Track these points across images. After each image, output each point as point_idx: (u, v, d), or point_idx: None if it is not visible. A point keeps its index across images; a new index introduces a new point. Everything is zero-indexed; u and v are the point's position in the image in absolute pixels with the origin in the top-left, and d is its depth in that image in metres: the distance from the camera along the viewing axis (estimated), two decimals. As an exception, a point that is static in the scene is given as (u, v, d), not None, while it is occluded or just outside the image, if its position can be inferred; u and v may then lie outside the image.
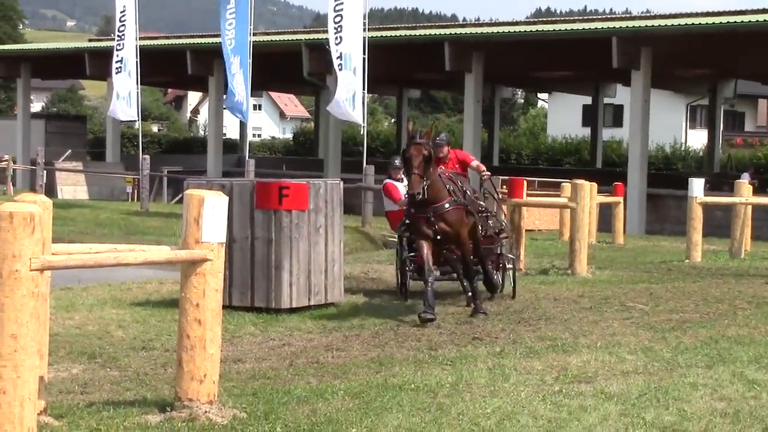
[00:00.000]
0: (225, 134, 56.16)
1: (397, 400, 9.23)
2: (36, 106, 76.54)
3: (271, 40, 49.36)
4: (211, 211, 8.78)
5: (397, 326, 14.15)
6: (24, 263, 7.74)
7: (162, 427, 8.40)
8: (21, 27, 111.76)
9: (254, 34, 39.44)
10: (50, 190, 45.20)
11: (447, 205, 14.61)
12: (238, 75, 37.19)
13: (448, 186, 14.91)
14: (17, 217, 7.73)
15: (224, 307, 9.68)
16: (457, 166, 17.25)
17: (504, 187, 28.78)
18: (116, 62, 42.34)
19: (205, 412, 8.64)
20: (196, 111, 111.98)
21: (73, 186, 50.65)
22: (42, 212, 8.00)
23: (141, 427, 8.43)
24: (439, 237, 14.63)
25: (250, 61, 36.86)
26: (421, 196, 14.04)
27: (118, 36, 43.04)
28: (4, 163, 52.05)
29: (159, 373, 10.84)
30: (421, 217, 14.67)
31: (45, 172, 47.33)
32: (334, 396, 9.44)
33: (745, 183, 24.38)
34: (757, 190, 24.96)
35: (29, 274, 7.78)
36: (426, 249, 14.62)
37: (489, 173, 18.09)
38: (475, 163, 18.01)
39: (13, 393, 7.72)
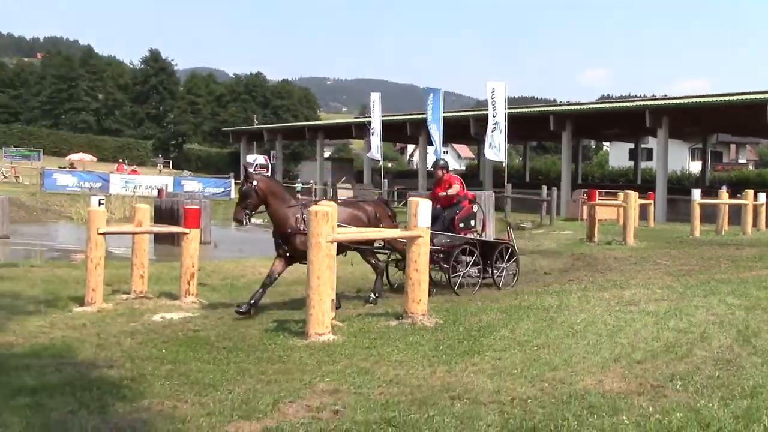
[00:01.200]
0: (428, 167, 56.52)
1: (527, 314, 9.16)
2: (326, 153, 78.12)
3: (451, 116, 49.28)
4: (422, 208, 8.88)
5: (525, 273, 14.00)
6: (323, 237, 7.98)
7: (397, 328, 8.53)
8: (318, 111, 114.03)
9: (444, 112, 39.55)
10: (335, 200, 46.50)
11: (289, 230, 10.18)
12: (435, 134, 37.60)
13: (298, 215, 10.09)
14: (320, 213, 7.99)
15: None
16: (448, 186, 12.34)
17: (585, 195, 28.23)
18: (371, 129, 43.55)
19: (420, 320, 8.74)
20: (411, 155, 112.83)
21: (347, 197, 51.53)
22: (331, 210, 8.24)
23: (386, 327, 8.58)
24: (288, 254, 10.40)
25: (441, 126, 37.14)
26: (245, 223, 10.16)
27: (371, 115, 44.08)
28: (310, 185, 53.50)
29: (394, 298, 10.95)
30: (275, 239, 10.48)
31: (331, 189, 48.97)
32: (491, 312, 9.43)
33: (723, 191, 24.84)
34: (731, 195, 24.87)
35: (326, 244, 8.01)
36: (277, 262, 10.51)
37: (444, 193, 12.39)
38: (450, 191, 12.35)
39: (318, 307, 7.97)
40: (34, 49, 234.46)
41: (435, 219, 11.19)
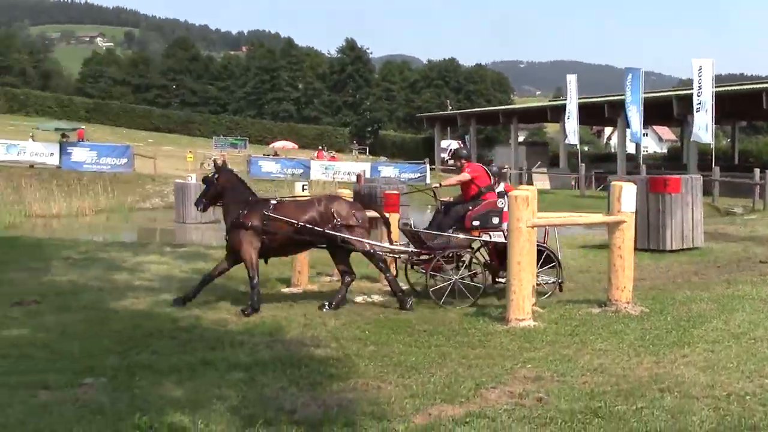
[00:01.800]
0: (626, 150, 54.53)
1: (741, 304, 8.63)
2: (520, 138, 77.32)
3: (651, 96, 47.09)
4: (626, 193, 8.56)
5: (738, 261, 13.19)
6: (524, 223, 7.88)
7: (600, 315, 8.31)
8: (512, 96, 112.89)
9: (644, 92, 37.98)
10: (529, 184, 45.88)
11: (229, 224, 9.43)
12: (633, 116, 36.18)
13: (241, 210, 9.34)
14: (519, 198, 7.89)
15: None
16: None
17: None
18: (567, 112, 42.68)
19: (625, 308, 8.45)
20: (609, 138, 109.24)
21: (541, 182, 50.75)
22: (531, 195, 8.12)
23: (588, 314, 8.38)
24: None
25: (641, 108, 35.68)
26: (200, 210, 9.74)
27: (568, 98, 43.19)
28: (504, 170, 53.13)
29: (596, 286, 10.63)
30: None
31: (526, 174, 48.43)
32: (701, 301, 8.94)
33: None
34: None
35: (526, 229, 7.91)
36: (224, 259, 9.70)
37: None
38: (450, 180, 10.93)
39: (519, 293, 7.90)
40: (240, 42, 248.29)
41: (445, 214, 10.11)
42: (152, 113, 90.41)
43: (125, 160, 39.85)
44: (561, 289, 9.77)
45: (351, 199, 10.30)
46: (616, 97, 48.77)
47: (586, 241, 16.77)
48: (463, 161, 10.47)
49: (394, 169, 48.21)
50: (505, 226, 9.40)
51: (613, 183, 8.89)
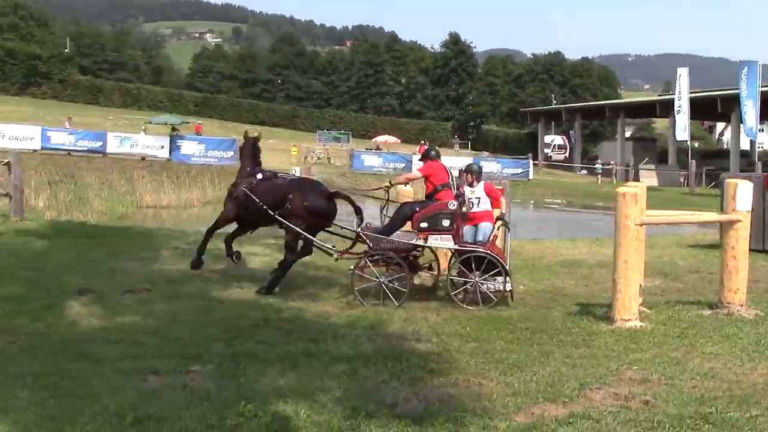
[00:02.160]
0: (740, 147, 52.52)
1: None
2: (627, 133, 75.52)
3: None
4: (742, 190, 8.24)
5: None
6: (631, 220, 7.69)
7: (711, 318, 8.06)
8: (619, 90, 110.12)
9: (762, 86, 36.43)
10: (635, 181, 44.90)
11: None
12: (749, 111, 34.77)
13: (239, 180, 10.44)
14: (628, 195, 7.71)
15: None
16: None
17: None
18: (677, 107, 41.41)
19: (738, 310, 8.17)
20: (721, 133, 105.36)
21: (648, 178, 49.48)
22: (640, 192, 7.92)
23: (698, 316, 8.14)
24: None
25: (758, 102, 34.22)
26: None
27: (678, 92, 41.89)
28: (610, 166, 52.14)
29: (707, 287, 10.27)
30: None
31: (633, 170, 47.29)
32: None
33: None
34: None
35: (634, 227, 7.72)
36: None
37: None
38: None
39: (625, 292, 7.72)
40: (344, 37, 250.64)
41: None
42: (258, 107, 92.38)
43: (231, 153, 40.86)
44: (512, 298, 8.99)
45: (319, 188, 10.33)
46: (730, 92, 47.08)
47: (696, 240, 16.24)
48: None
49: (496, 165, 47.80)
50: (466, 230, 9.21)
51: (727, 180, 8.58)
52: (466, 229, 9.41)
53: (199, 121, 62.95)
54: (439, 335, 7.37)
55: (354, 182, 41.51)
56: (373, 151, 53.77)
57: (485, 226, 9.52)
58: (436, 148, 10.86)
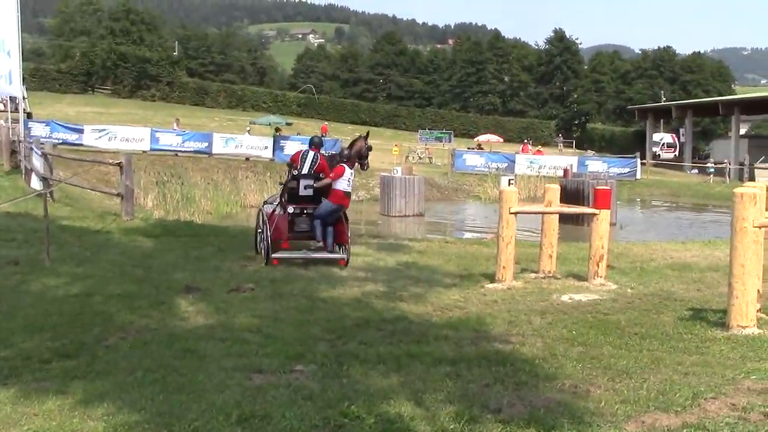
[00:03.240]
0: None
1: None
2: (742, 130, 72.78)
3: None
4: None
5: None
6: (749, 222, 7.39)
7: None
8: (733, 85, 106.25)
9: None
10: (751, 181, 43.39)
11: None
12: None
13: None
14: (746, 196, 7.41)
15: None
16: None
17: None
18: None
19: None
20: None
21: (765, 178, 47.52)
22: (761, 192, 7.60)
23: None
24: None
25: None
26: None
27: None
28: (723, 164, 50.36)
29: None
30: None
31: (748, 169, 45.71)
32: None
33: None
34: None
35: (752, 229, 7.41)
36: None
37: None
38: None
39: (742, 298, 7.43)
40: (446, 35, 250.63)
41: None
42: (360, 107, 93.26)
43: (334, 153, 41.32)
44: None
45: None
46: None
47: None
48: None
49: (602, 164, 46.75)
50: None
51: None
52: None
53: (325, 122, 63.97)
54: (544, 339, 7.25)
55: (456, 182, 41.39)
56: (475, 150, 53.44)
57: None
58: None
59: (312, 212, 12.39)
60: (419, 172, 35.96)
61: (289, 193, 12.41)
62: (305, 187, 12.38)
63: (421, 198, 28.86)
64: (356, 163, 13.31)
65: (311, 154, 12.57)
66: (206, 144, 40.69)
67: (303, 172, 12.41)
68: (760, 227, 7.57)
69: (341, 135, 59.85)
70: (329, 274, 10.95)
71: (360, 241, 14.87)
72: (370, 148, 13.81)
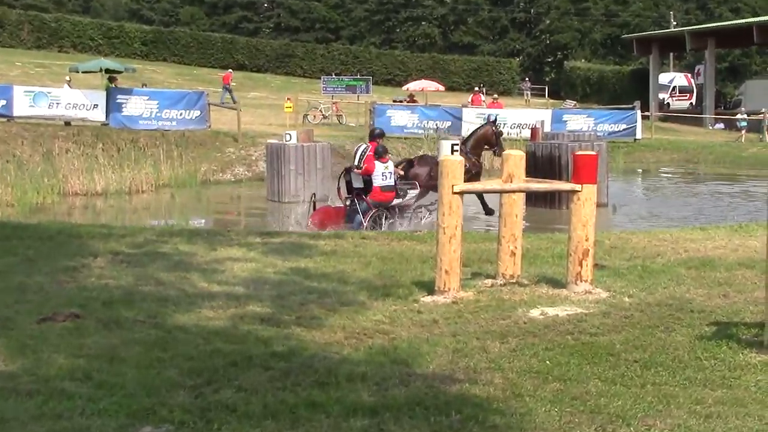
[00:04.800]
0: None
1: None
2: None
3: None
4: None
5: None
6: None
7: None
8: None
9: None
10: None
11: None
12: None
13: None
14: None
15: None
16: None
17: None
18: None
19: None
20: None
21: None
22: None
23: None
24: None
25: None
26: None
27: None
28: (760, 115, 51.74)
29: None
30: None
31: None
32: None
33: None
34: None
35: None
36: None
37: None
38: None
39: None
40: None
41: None
42: (235, 44, 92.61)
43: (197, 113, 40.94)
44: None
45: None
46: None
47: None
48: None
49: (587, 119, 47.52)
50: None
51: None
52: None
53: (229, 70, 63.50)
54: (505, 373, 7.34)
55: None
56: (405, 104, 53.67)
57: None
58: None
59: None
60: (324, 137, 35.91)
61: (346, 185, 20.45)
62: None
63: (327, 175, 28.82)
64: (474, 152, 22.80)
65: (363, 146, 20.13)
66: (2, 102, 39.80)
67: (355, 164, 20.03)
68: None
69: (207, 85, 59.26)
70: (192, 291, 10.85)
71: (239, 241, 14.79)
72: (500, 134, 21.96)
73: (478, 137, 23.34)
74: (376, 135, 20.75)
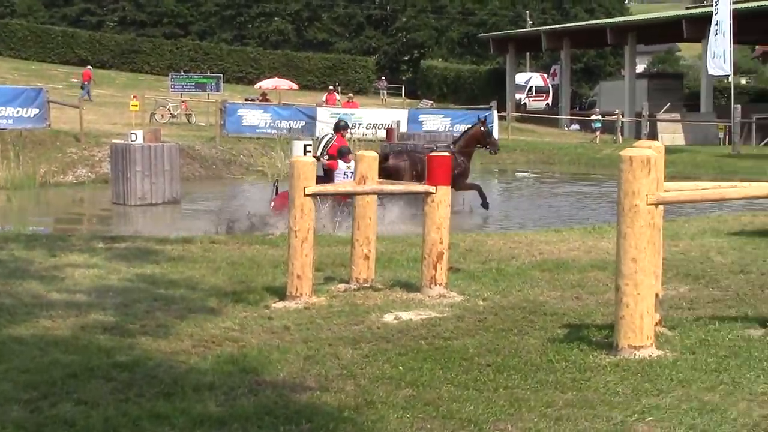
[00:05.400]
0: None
1: None
2: (639, 68, 76.81)
3: None
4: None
5: None
6: (642, 199, 7.83)
7: (764, 340, 8.25)
8: (627, 2, 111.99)
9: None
10: (652, 138, 45.72)
11: None
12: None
13: None
14: (636, 161, 7.84)
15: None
16: None
17: None
18: (713, 25, 42.44)
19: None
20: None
21: (671, 134, 50.50)
22: (656, 156, 8.06)
23: (744, 339, 8.32)
24: None
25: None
26: None
27: (715, 2, 42.87)
28: (614, 116, 52.96)
29: (757, 294, 10.54)
30: None
31: (648, 122, 48.27)
32: None
33: None
34: None
35: (646, 208, 7.86)
36: None
37: None
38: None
39: (634, 306, 7.85)
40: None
41: None
42: (77, 38, 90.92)
43: (36, 111, 39.98)
44: None
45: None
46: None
47: (743, 224, 16.63)
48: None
49: (443, 119, 48.02)
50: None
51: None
52: None
53: (88, 67, 61.99)
54: (358, 380, 7.39)
55: (228, 151, 41.25)
56: (257, 103, 53.45)
57: None
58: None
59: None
60: (172, 137, 35.54)
61: None
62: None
63: (176, 177, 28.54)
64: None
65: (329, 137, 21.29)
66: None
67: (318, 153, 20.71)
68: (656, 204, 8.04)
69: (46, 82, 58.11)
70: (29, 299, 10.65)
71: (81, 247, 14.56)
72: (488, 134, 24.63)
73: (468, 137, 24.48)
74: (341, 127, 22.00)
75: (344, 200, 19.29)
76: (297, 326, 9.40)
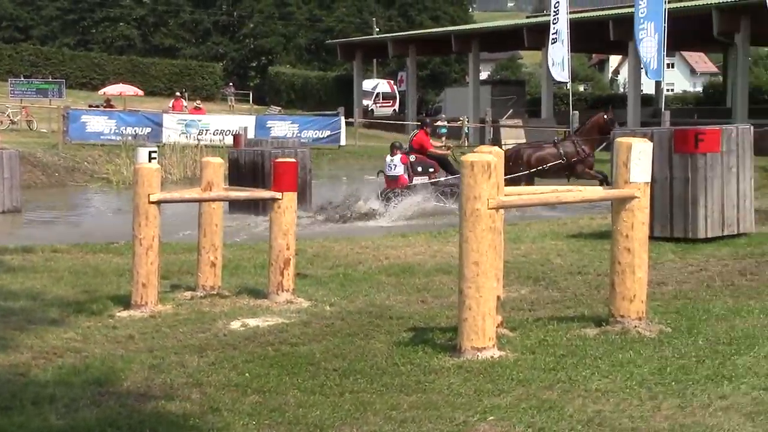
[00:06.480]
0: (642, 90, 55.31)
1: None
2: (483, 75, 78.04)
3: (682, 7, 47.77)
4: (637, 155, 8.69)
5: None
6: (483, 203, 7.96)
7: (599, 339, 8.46)
8: (471, 10, 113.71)
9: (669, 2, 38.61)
10: (496, 144, 46.54)
11: None
12: (648, 39, 36.80)
13: None
14: (477, 166, 7.97)
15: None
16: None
17: None
18: (552, 34, 43.28)
19: (635, 326, 8.62)
20: (616, 71, 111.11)
21: (514, 139, 51.25)
22: (496, 161, 8.21)
23: (581, 338, 8.53)
24: None
25: (664, 25, 36.31)
26: None
27: (554, 12, 43.72)
28: (459, 122, 53.69)
29: (593, 294, 10.84)
30: None
31: (492, 128, 49.17)
32: (750, 314, 9.19)
33: None
34: None
35: (487, 212, 7.99)
36: None
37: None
38: None
39: (476, 309, 7.98)
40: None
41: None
42: None
43: None
44: None
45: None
46: (626, 10, 49.52)
47: (581, 227, 17.06)
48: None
49: (291, 125, 48.04)
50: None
51: (617, 140, 9.03)
52: None
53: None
54: (203, 387, 7.34)
55: (72, 158, 40.50)
56: (101, 109, 52.63)
57: None
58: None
59: None
60: (12, 143, 34.73)
61: None
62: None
63: (16, 185, 27.88)
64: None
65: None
66: None
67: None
68: (497, 209, 8.19)
69: None
70: None
71: None
72: (611, 122, 23.43)
73: (590, 126, 24.98)
74: (425, 123, 28.12)
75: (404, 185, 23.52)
76: (142, 335, 9.31)
